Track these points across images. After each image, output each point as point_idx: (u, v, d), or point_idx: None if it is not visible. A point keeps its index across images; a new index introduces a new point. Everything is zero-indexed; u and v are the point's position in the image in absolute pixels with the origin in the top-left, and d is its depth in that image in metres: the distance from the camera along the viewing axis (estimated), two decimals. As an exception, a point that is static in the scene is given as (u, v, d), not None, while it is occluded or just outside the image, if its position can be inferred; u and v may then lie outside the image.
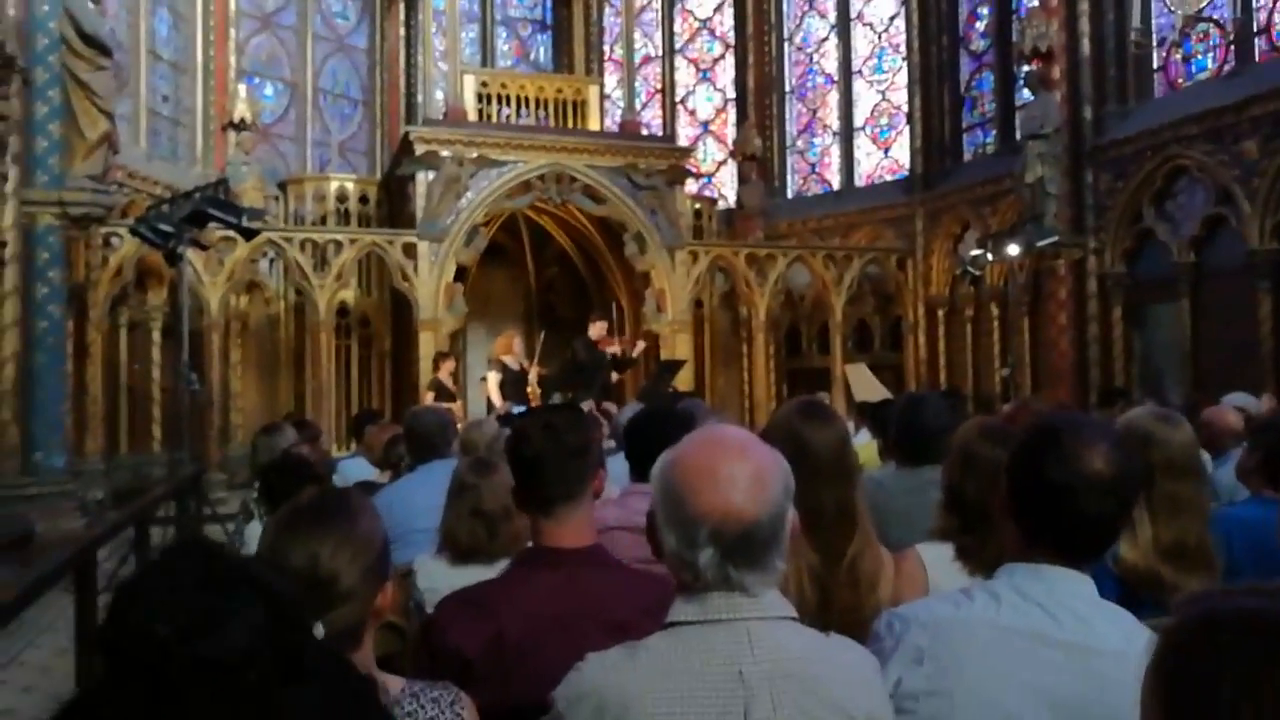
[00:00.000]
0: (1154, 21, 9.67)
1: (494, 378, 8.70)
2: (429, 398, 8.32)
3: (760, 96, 13.71)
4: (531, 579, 1.72)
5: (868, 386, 9.09)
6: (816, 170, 13.80)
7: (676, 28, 14.59)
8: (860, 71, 13.28)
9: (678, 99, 14.55)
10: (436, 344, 9.75)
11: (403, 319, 10.84)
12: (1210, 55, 9.38)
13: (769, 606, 1.15)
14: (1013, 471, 1.36)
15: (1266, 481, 2.50)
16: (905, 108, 12.52)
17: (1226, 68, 9.11)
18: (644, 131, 12.24)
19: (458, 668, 1.61)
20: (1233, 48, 9.07)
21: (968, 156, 12.07)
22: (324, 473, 3.08)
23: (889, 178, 12.92)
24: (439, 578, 2.29)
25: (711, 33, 14.52)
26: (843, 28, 13.31)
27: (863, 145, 13.30)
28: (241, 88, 10.81)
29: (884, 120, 13.12)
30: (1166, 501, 1.96)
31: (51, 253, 7.24)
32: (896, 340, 12.22)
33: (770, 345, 11.84)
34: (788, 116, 13.88)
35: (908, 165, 12.44)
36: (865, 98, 13.26)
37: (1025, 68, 9.96)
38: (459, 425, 4.77)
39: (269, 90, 12.11)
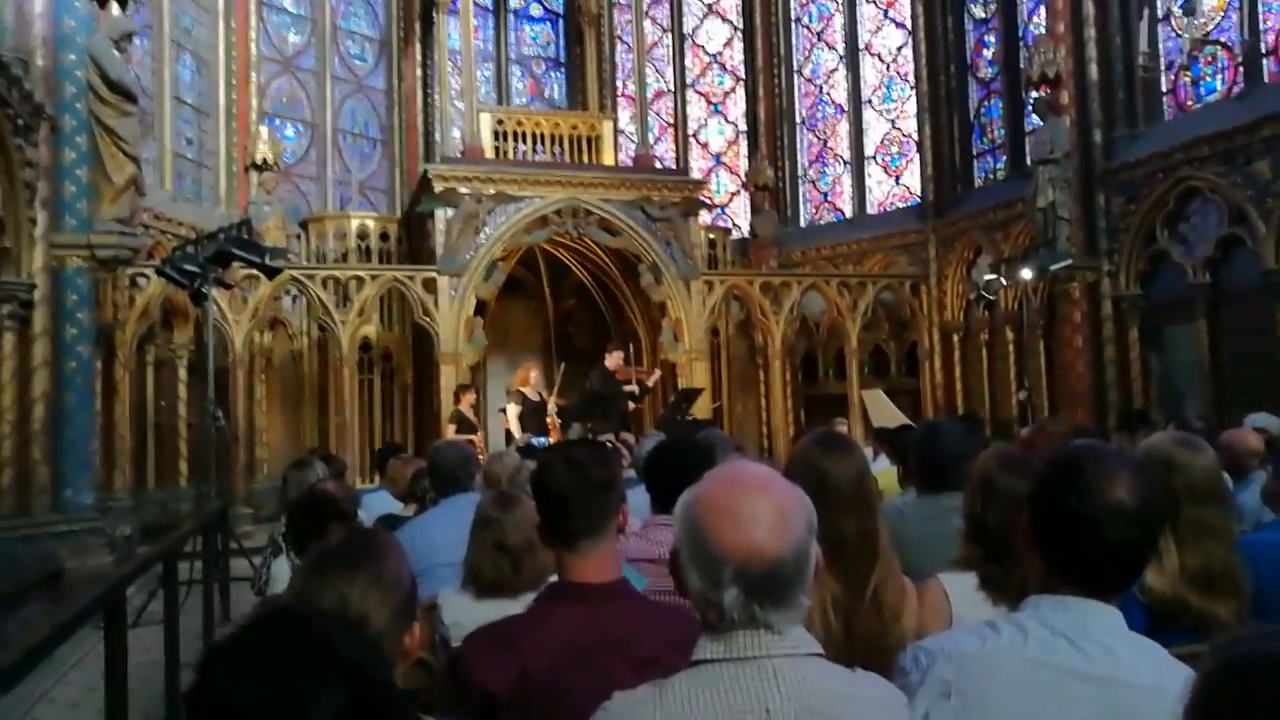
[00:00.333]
0: (1161, 45, 9.71)
1: (513, 409, 8.76)
2: (451, 430, 8.38)
3: (771, 128, 13.83)
4: (556, 614, 1.72)
5: (885, 412, 9.08)
6: (829, 199, 13.87)
7: (687, 63, 14.77)
8: (870, 101, 13.40)
9: (690, 132, 14.69)
10: (457, 377, 9.82)
11: (424, 353, 10.92)
12: (1219, 77, 9.40)
13: (795, 644, 1.14)
14: (1035, 503, 1.36)
15: (1292, 505, 2.49)
16: (915, 136, 12.60)
17: (1236, 89, 9.13)
18: (657, 165, 12.36)
19: (484, 704, 1.61)
20: (1241, 69, 9.10)
21: (978, 182, 12.11)
22: (349, 509, 3.11)
23: (901, 205, 12.97)
24: (463, 612, 2.29)
25: (722, 66, 14.70)
26: (851, 59, 13.46)
27: (874, 173, 13.38)
28: (263, 129, 11.03)
29: (894, 148, 13.20)
30: (1191, 527, 1.95)
31: (80, 294, 7.35)
32: (913, 365, 12.19)
33: (787, 372, 11.83)
34: (799, 147, 14.00)
35: (919, 192, 12.49)
36: (875, 126, 13.36)
37: (1034, 94, 10.00)
38: (481, 457, 4.80)
39: (290, 131, 12.33)
